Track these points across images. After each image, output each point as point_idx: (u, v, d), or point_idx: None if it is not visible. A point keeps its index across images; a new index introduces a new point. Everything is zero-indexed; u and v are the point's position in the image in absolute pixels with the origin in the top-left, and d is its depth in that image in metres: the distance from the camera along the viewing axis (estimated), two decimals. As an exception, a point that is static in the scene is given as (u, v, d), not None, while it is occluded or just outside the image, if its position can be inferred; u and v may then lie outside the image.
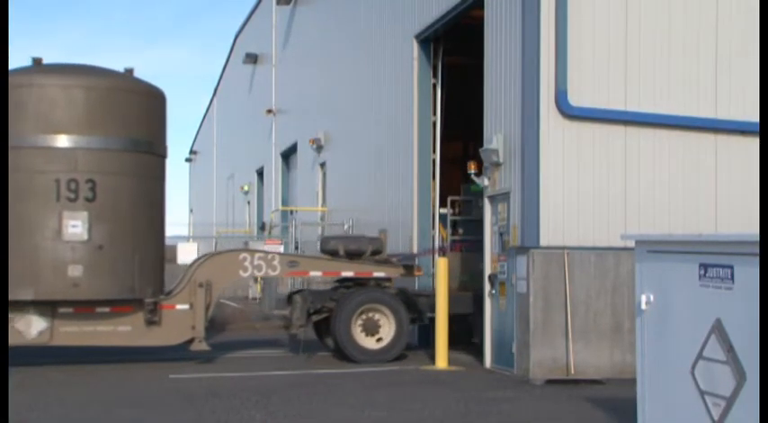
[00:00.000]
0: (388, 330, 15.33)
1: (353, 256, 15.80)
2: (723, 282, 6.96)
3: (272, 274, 15.69)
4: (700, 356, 7.19)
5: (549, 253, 13.24)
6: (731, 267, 6.88)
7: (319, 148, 25.77)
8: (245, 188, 38.71)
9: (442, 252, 17.73)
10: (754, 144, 13.76)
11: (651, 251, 7.81)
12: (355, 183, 22.48)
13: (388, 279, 15.86)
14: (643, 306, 7.83)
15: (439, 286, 14.67)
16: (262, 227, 31.81)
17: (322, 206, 26.09)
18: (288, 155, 31.51)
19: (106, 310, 14.24)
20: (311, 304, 15.49)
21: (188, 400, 11.23)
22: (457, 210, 18.56)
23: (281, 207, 30.90)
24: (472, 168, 14.89)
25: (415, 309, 15.64)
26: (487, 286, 14.61)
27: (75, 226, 13.78)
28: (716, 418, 7.02)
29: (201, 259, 15.53)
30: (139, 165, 14.43)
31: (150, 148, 14.63)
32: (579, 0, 13.46)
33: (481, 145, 14.56)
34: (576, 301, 13.22)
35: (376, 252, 16.04)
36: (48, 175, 13.83)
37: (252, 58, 35.23)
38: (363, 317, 15.28)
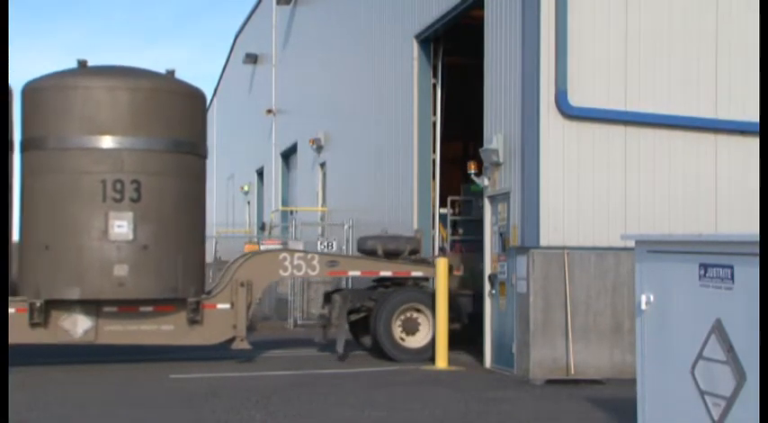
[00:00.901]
0: (427, 330, 15.38)
1: (391, 255, 15.81)
2: (723, 282, 6.96)
3: (311, 273, 15.76)
4: (700, 356, 7.19)
5: (549, 253, 13.23)
6: (731, 267, 6.88)
7: (319, 148, 25.77)
8: (245, 188, 38.70)
9: (442, 252, 17.74)
10: (754, 144, 13.75)
11: (651, 251, 7.81)
12: (355, 183, 22.48)
13: (425, 279, 15.88)
14: (643, 306, 7.83)
15: (439, 286, 14.67)
16: (262, 227, 31.80)
17: (322, 206, 26.09)
18: (288, 155, 31.51)
19: (149, 309, 14.39)
20: (351, 303, 15.58)
21: (188, 400, 11.23)
22: (457, 210, 18.57)
23: (281, 207, 30.90)
24: (472, 168, 14.89)
25: (455, 308, 15.61)
26: (487, 286, 14.61)
27: (121, 226, 13.93)
28: (716, 418, 7.02)
29: (242, 259, 15.60)
30: (182, 165, 14.59)
31: (192, 148, 14.80)
32: (579, 0, 13.46)
33: (481, 145, 14.56)
34: (576, 301, 13.22)
35: (413, 252, 16.09)
36: (94, 176, 14.01)
37: (252, 58, 35.21)
38: (403, 316, 15.35)
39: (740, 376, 6.77)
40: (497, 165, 14.16)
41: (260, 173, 36.25)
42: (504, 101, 14.08)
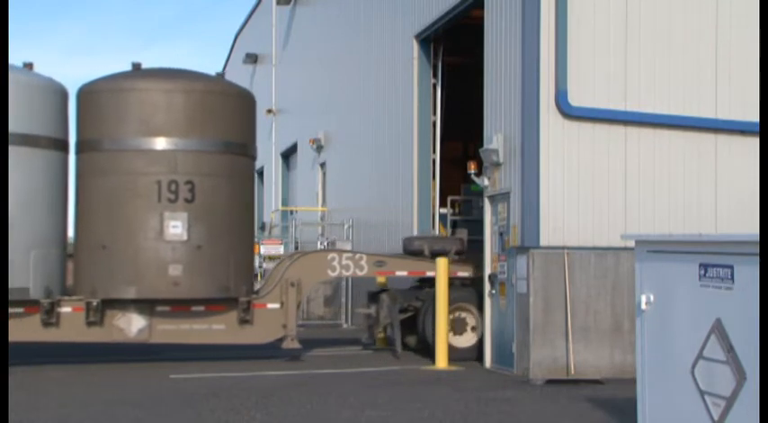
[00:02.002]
0: (475, 329, 15.41)
1: (437, 255, 15.84)
2: (723, 282, 6.96)
3: (359, 273, 15.80)
4: (700, 356, 7.18)
5: (549, 253, 13.24)
6: (731, 267, 6.88)
7: (319, 148, 25.77)
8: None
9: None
10: (754, 144, 13.75)
11: (651, 251, 7.81)
12: (355, 183, 22.48)
13: (471, 279, 15.92)
14: (643, 306, 7.83)
15: (439, 286, 14.67)
16: (262, 227, 31.81)
17: (322, 206, 26.09)
18: (288, 155, 31.51)
19: (201, 308, 14.56)
20: (399, 303, 15.66)
21: (188, 400, 11.22)
22: (457, 210, 18.57)
23: (281, 207, 30.90)
24: (472, 168, 14.89)
25: None
26: (487, 286, 14.61)
27: (176, 226, 14.11)
28: (716, 417, 7.02)
29: (289, 259, 15.67)
30: (234, 166, 14.75)
31: (243, 149, 14.96)
32: (579, 0, 13.46)
33: (481, 145, 14.56)
34: (576, 301, 13.22)
35: (459, 252, 16.13)
36: (149, 177, 14.18)
37: (252, 58, 35.21)
38: (451, 316, 15.33)
39: (740, 376, 6.77)
40: (497, 165, 14.16)
41: (260, 173, 36.23)
42: (504, 101, 14.08)
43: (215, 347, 15.45)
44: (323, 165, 25.91)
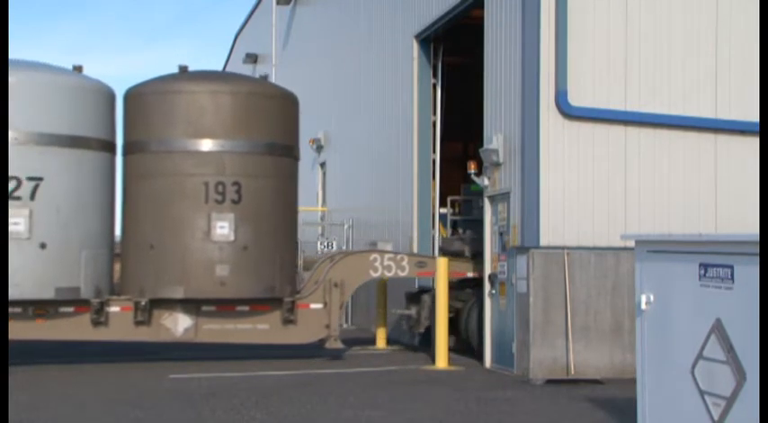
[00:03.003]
0: None
1: (477, 256, 15.86)
2: (723, 282, 6.96)
3: (400, 274, 15.83)
4: (700, 356, 7.18)
5: (549, 253, 13.24)
6: (731, 267, 6.88)
7: (319, 148, 25.76)
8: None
9: (442, 252, 17.73)
10: (754, 144, 13.75)
11: (651, 251, 7.81)
12: (355, 183, 22.47)
13: None
14: (643, 306, 7.83)
15: (439, 286, 14.68)
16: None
17: (322, 206, 26.08)
18: (288, 155, 31.43)
19: (246, 308, 14.70)
20: None
21: (188, 400, 11.22)
22: (457, 210, 18.56)
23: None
24: (472, 168, 14.89)
25: None
26: (487, 286, 14.61)
27: (223, 227, 14.26)
28: (716, 417, 7.02)
29: (330, 260, 15.72)
30: (279, 167, 14.88)
31: (288, 151, 15.10)
32: (579, 0, 13.46)
33: (481, 145, 14.56)
34: (576, 301, 13.22)
35: None
36: (197, 178, 14.33)
37: (252, 58, 35.19)
38: None
39: (740, 376, 6.77)
40: (497, 165, 14.16)
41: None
42: (504, 101, 14.08)
43: (215, 347, 15.45)
44: (323, 165, 25.90)
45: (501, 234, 14.22)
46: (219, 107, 14.51)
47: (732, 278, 6.87)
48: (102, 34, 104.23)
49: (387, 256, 15.76)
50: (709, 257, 7.11)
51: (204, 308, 14.56)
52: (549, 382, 12.77)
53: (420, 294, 16.31)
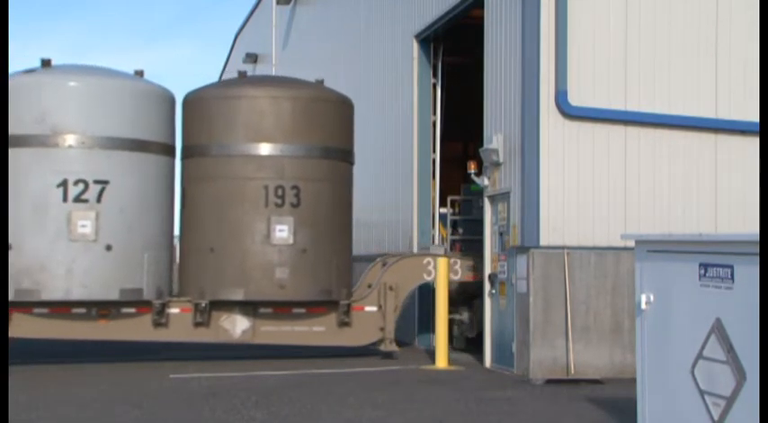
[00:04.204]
0: None
1: None
2: (723, 282, 6.96)
3: (453, 278, 15.89)
4: (700, 356, 7.19)
5: (549, 253, 13.24)
6: (731, 267, 6.88)
7: (319, 148, 25.71)
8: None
9: (442, 252, 17.72)
10: (754, 144, 13.76)
11: (651, 251, 7.81)
12: (355, 182, 22.42)
13: None
14: (643, 306, 7.83)
15: (439, 286, 14.68)
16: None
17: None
18: (288, 154, 31.41)
19: (302, 311, 14.91)
20: None
21: (188, 399, 11.22)
22: (457, 209, 18.55)
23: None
24: (472, 168, 14.90)
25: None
26: (487, 286, 14.61)
27: (282, 230, 14.48)
28: (716, 417, 7.02)
29: (389, 262, 15.78)
30: (336, 171, 15.12)
31: (344, 155, 15.34)
32: (579, 0, 13.46)
33: (481, 145, 14.56)
34: (576, 301, 13.22)
35: None
36: (257, 182, 14.54)
37: (252, 58, 35.17)
38: None
39: (740, 376, 6.77)
40: (497, 165, 14.16)
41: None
42: (504, 101, 14.08)
43: (215, 347, 15.45)
44: (323, 165, 25.84)
45: (501, 234, 14.22)
46: (280, 112, 14.73)
47: (732, 278, 6.87)
48: (103, 34, 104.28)
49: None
50: (709, 257, 7.11)
51: (261, 310, 14.79)
52: (549, 381, 12.77)
53: (472, 299, 16.40)
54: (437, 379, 13.25)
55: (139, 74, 14.85)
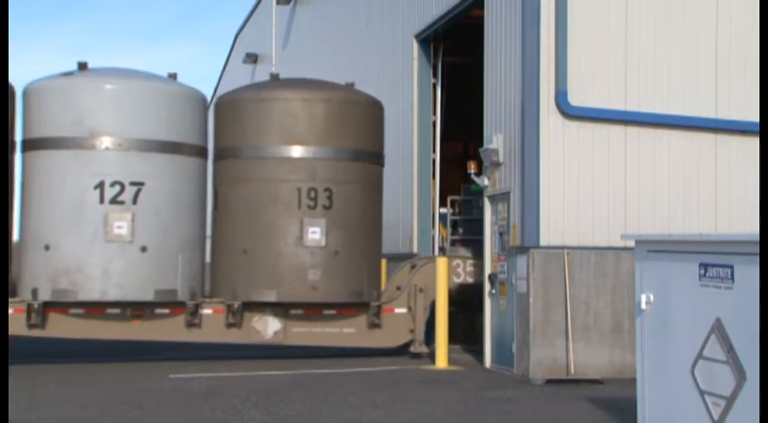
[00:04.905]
0: None
1: None
2: (723, 282, 6.96)
3: (469, 281, 16.03)
4: (700, 356, 7.19)
5: (549, 253, 13.24)
6: (731, 267, 6.88)
7: (319, 148, 25.71)
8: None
9: (442, 252, 17.74)
10: (754, 144, 13.76)
11: (651, 251, 7.81)
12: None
13: None
14: (643, 306, 7.83)
15: (439, 286, 14.68)
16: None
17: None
18: (288, 154, 31.40)
19: (333, 312, 15.01)
20: None
21: (188, 399, 11.22)
22: (457, 209, 18.56)
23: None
24: (472, 168, 14.91)
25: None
26: (487, 286, 14.62)
27: (315, 232, 14.61)
28: (716, 417, 7.02)
29: (418, 264, 15.81)
30: (367, 174, 15.23)
31: (375, 158, 15.43)
32: (579, 0, 13.46)
33: (481, 145, 14.57)
34: (576, 301, 13.23)
35: None
36: (290, 184, 14.65)
37: (252, 58, 35.17)
38: None
39: (740, 376, 6.77)
40: (497, 165, 14.17)
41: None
42: (504, 101, 14.08)
43: (215, 347, 15.45)
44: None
45: (501, 234, 14.22)
46: (312, 114, 14.81)
47: (732, 278, 6.87)
48: (103, 34, 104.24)
49: (469, 261, 16.19)
50: (709, 257, 7.11)
51: (293, 311, 14.89)
52: (549, 381, 12.78)
53: None
54: (437, 379, 13.25)
55: (173, 76, 15.00)
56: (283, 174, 14.65)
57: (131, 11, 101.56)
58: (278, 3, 30.07)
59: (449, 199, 18.50)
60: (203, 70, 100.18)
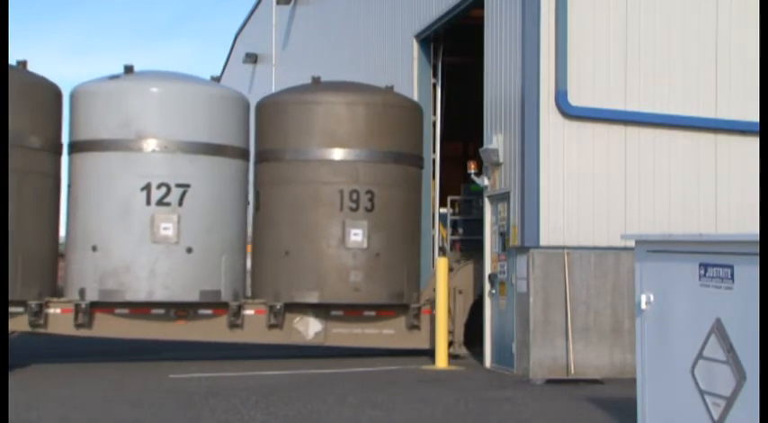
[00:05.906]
0: None
1: None
2: (723, 282, 6.96)
3: None
4: (700, 356, 7.19)
5: (549, 253, 13.24)
6: (731, 267, 6.88)
7: (319, 148, 25.70)
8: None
9: (442, 252, 17.74)
10: (754, 144, 13.76)
11: (651, 251, 7.82)
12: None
13: None
14: (643, 306, 7.83)
15: (439, 286, 14.67)
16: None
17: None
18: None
19: (372, 314, 15.13)
20: None
21: (188, 399, 11.22)
22: (457, 209, 18.56)
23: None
24: (472, 168, 14.91)
25: None
26: (487, 286, 14.62)
27: (357, 234, 14.74)
28: (716, 417, 7.02)
29: (455, 267, 15.83)
30: (407, 177, 15.34)
31: (415, 160, 15.53)
32: (579, 0, 13.46)
33: (481, 145, 14.57)
34: (576, 301, 13.22)
35: None
36: (332, 187, 14.78)
37: (252, 58, 35.18)
38: None
39: (740, 376, 6.77)
40: (497, 165, 14.17)
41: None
42: (503, 101, 14.08)
43: (215, 347, 15.46)
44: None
45: (501, 234, 14.22)
46: (355, 117, 14.94)
47: (732, 278, 6.88)
48: (103, 34, 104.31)
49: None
50: (709, 257, 7.11)
51: (333, 312, 14.98)
52: (549, 381, 12.78)
53: None
54: (437, 379, 13.24)
55: (216, 80, 15.15)
56: (326, 176, 14.78)
57: (132, 11, 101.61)
58: (278, 3, 30.08)
59: (449, 199, 18.48)
60: (203, 70, 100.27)
